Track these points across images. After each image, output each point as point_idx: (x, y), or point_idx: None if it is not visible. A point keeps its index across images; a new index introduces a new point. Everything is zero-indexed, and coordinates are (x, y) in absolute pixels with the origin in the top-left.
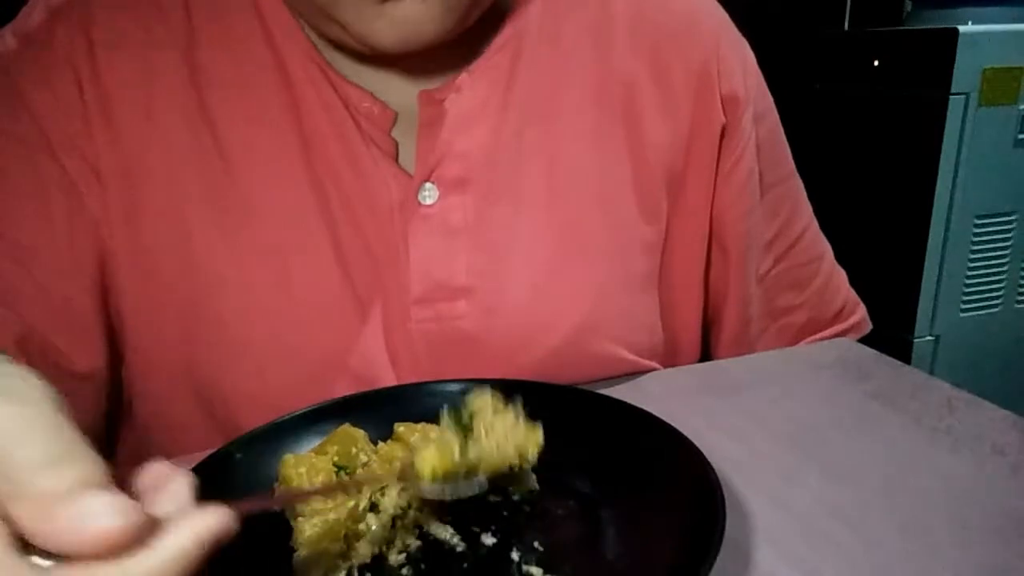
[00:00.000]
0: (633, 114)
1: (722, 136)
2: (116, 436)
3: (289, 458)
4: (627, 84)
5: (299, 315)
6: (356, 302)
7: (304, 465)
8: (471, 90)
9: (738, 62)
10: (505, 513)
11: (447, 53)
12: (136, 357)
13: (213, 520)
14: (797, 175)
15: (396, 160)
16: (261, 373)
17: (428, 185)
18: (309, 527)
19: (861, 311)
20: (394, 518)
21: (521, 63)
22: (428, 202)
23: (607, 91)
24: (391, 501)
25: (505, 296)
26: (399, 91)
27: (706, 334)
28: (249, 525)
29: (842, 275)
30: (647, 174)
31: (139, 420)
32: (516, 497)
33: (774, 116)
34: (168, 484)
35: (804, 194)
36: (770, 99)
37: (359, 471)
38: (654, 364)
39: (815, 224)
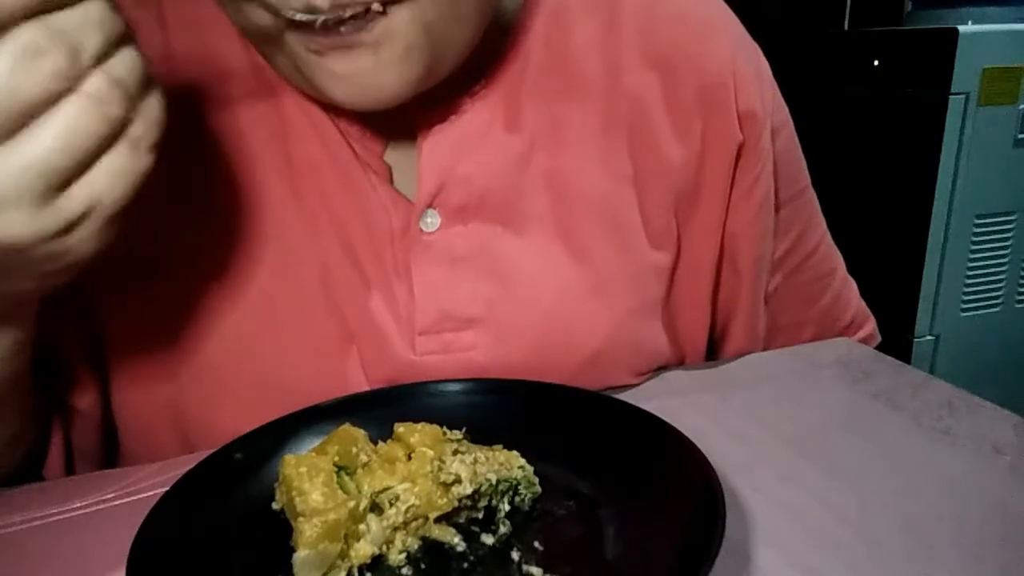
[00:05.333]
0: (643, 132)
1: (738, 155)
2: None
3: (290, 458)
4: (636, 101)
5: (286, 350)
6: (348, 335)
7: (305, 465)
8: (473, 112)
9: (754, 75)
10: (505, 513)
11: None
12: (121, 395)
13: None
14: (812, 189)
15: (392, 185)
16: (246, 410)
17: (430, 211)
18: (309, 527)
19: (871, 325)
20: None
21: (525, 84)
22: (430, 229)
23: (615, 111)
24: (398, 511)
25: (516, 326)
26: (394, 113)
27: (710, 349)
28: (249, 525)
29: (853, 288)
30: (657, 195)
31: (126, 453)
32: (519, 499)
33: (790, 128)
34: None
35: (818, 208)
36: (786, 110)
37: (359, 471)
38: None
39: (828, 238)
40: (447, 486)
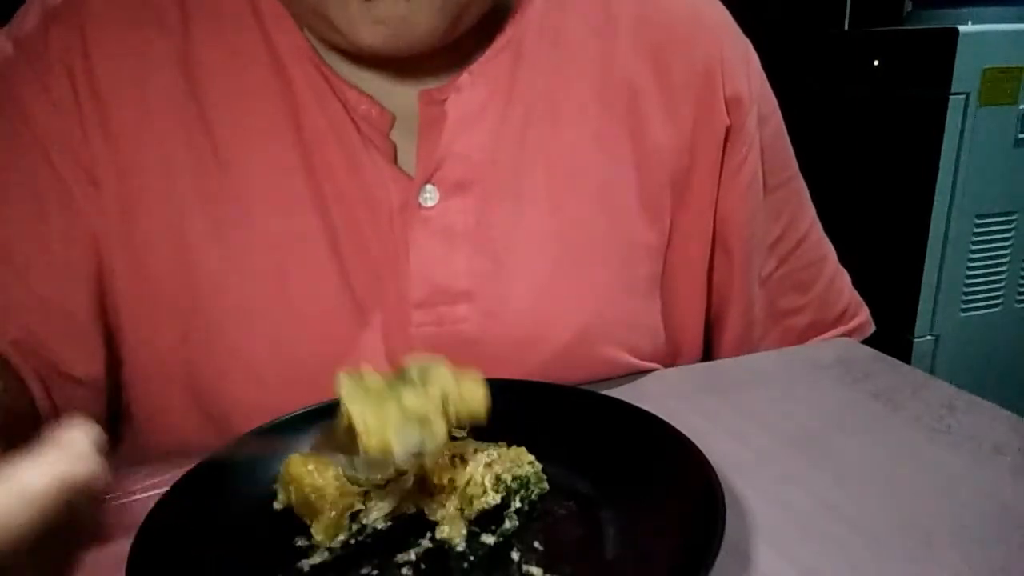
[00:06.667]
0: (636, 115)
1: (726, 138)
2: (118, 435)
3: (296, 456)
4: (630, 85)
5: (296, 318)
6: (354, 306)
7: (312, 462)
8: (472, 91)
9: (741, 63)
10: (506, 513)
11: (446, 53)
12: (133, 362)
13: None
14: (800, 177)
15: (395, 163)
16: (257, 377)
17: (429, 187)
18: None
19: (864, 313)
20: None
21: (523, 63)
22: (429, 204)
23: (610, 92)
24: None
25: (507, 300)
26: (397, 92)
27: (708, 336)
28: (249, 525)
29: (845, 277)
30: (650, 177)
31: (137, 421)
32: (528, 495)
33: (778, 117)
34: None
35: (807, 196)
36: (774, 101)
37: None
38: (656, 365)
39: (818, 226)
40: (480, 494)
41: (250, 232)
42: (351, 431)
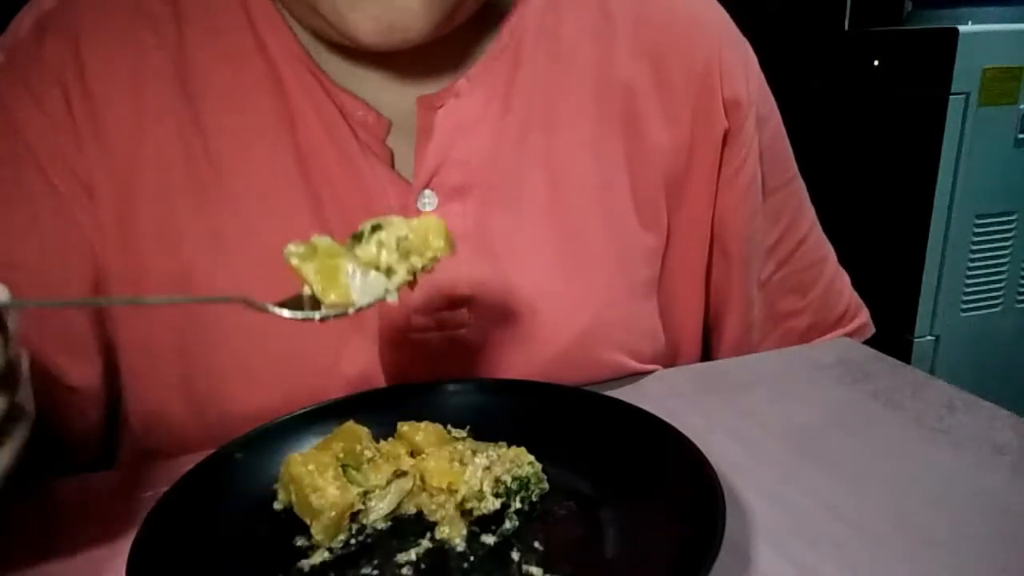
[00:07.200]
0: (634, 118)
1: (724, 140)
2: (118, 439)
3: (295, 456)
4: (628, 88)
5: (293, 323)
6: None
7: (312, 462)
8: (470, 96)
9: (740, 65)
10: (506, 513)
11: (443, 58)
12: (131, 368)
13: None
14: (800, 178)
15: (393, 168)
16: (255, 383)
17: (427, 192)
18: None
19: (864, 315)
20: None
21: (520, 68)
22: (427, 209)
23: (607, 95)
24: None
25: (506, 304)
26: (395, 97)
27: (707, 339)
28: (249, 525)
29: (845, 278)
30: (647, 180)
31: (136, 426)
32: (528, 495)
33: (777, 119)
34: None
35: (807, 197)
36: (773, 102)
37: (364, 466)
38: (655, 367)
39: (818, 228)
40: (478, 501)
41: (246, 237)
42: (313, 298)
